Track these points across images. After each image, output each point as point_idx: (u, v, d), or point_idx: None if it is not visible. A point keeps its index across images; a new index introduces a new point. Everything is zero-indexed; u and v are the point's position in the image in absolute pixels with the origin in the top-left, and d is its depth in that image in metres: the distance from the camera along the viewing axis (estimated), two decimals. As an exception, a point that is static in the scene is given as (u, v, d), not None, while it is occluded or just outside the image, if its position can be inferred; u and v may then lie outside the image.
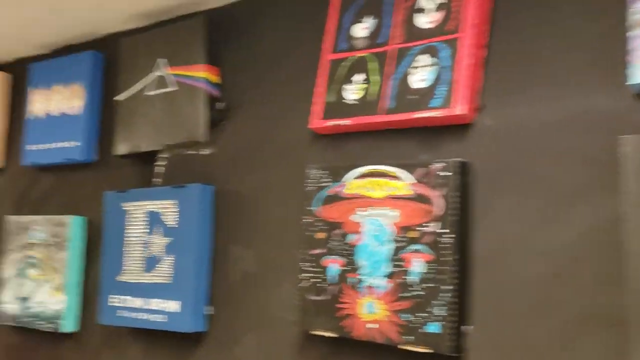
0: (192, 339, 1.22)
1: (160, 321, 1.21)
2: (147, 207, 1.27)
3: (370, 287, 0.98)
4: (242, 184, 1.21)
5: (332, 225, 1.04)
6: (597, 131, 0.86)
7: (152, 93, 1.33)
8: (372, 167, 1.01)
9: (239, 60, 1.26)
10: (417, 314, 0.93)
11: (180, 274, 1.20)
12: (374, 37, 1.06)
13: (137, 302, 1.25)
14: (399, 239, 0.96)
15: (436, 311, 0.91)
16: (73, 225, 1.43)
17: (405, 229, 0.96)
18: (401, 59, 1.02)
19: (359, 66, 1.06)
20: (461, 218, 0.93)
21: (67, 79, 1.51)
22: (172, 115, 1.29)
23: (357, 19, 1.09)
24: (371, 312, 0.97)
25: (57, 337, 1.45)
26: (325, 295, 1.03)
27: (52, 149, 1.51)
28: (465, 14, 0.98)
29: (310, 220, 1.07)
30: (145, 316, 1.23)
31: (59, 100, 1.52)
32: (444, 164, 0.93)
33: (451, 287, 0.91)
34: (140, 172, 1.37)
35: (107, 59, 1.49)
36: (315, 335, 1.04)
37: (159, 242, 1.24)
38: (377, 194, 0.99)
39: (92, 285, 1.41)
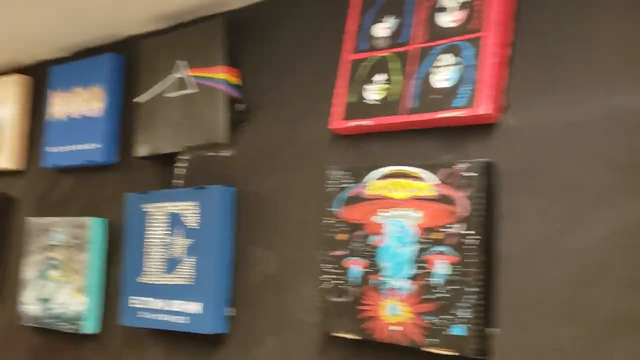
0: (213, 341, 1.22)
1: (181, 323, 1.21)
2: (168, 208, 1.28)
3: (393, 289, 0.97)
4: (262, 185, 1.21)
5: (354, 227, 1.03)
6: (622, 133, 0.84)
7: (172, 95, 1.33)
8: (394, 168, 1.00)
9: (258, 62, 1.26)
10: (441, 316, 0.92)
11: (201, 275, 1.20)
12: (395, 37, 1.06)
13: (158, 304, 1.25)
14: (423, 240, 0.95)
15: (461, 313, 0.90)
16: (93, 227, 1.44)
17: (428, 230, 0.95)
18: (423, 59, 1.01)
19: (380, 66, 1.06)
20: (486, 219, 0.92)
21: (87, 81, 1.52)
22: (192, 117, 1.29)
23: (378, 19, 1.08)
24: (394, 314, 0.96)
25: (78, 338, 1.46)
26: (347, 297, 1.02)
27: (72, 151, 1.52)
28: (489, 13, 0.96)
29: (331, 222, 1.06)
30: (166, 317, 1.23)
31: (79, 103, 1.53)
32: (469, 165, 0.92)
33: (476, 289, 0.90)
34: (161, 173, 1.37)
35: (127, 61, 1.49)
36: (336, 337, 1.04)
37: (180, 243, 1.24)
38: (400, 195, 0.98)
39: (113, 287, 1.42)
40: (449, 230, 0.93)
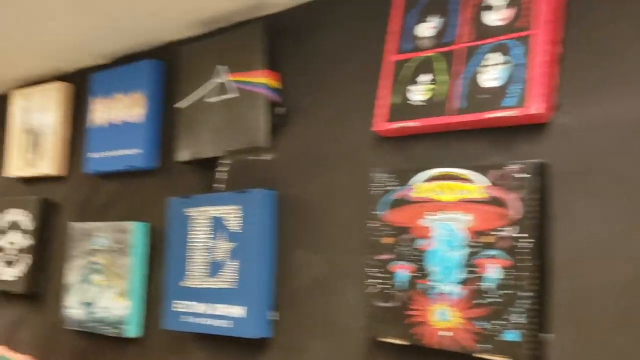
0: (256, 345, 1.21)
1: (225, 327, 1.20)
2: (211, 212, 1.28)
3: (442, 293, 0.95)
4: (304, 189, 1.20)
5: (400, 230, 1.01)
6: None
7: (212, 100, 1.33)
8: (441, 170, 0.98)
9: (299, 65, 1.26)
10: (493, 322, 0.89)
11: (244, 279, 1.20)
12: (439, 37, 1.04)
13: (201, 308, 1.26)
14: (473, 244, 0.93)
15: (514, 319, 0.87)
16: (136, 232, 1.45)
17: (479, 233, 0.92)
18: (470, 58, 0.99)
19: (425, 66, 1.04)
20: (539, 221, 0.89)
21: (127, 87, 1.54)
22: (233, 122, 1.29)
23: (422, 19, 1.07)
24: (444, 319, 0.94)
25: (121, 342, 1.48)
26: (394, 302, 1.00)
27: (114, 156, 1.54)
28: (538, 10, 0.94)
29: (375, 225, 1.05)
30: (209, 321, 1.24)
31: (120, 109, 1.55)
32: (521, 166, 0.90)
33: (530, 294, 0.87)
34: (202, 178, 1.38)
35: (167, 67, 1.50)
36: (383, 342, 1.02)
37: (223, 247, 1.24)
38: (448, 197, 0.96)
39: (155, 291, 1.42)
40: (500, 233, 0.90)
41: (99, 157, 1.57)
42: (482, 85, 0.96)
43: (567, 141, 0.90)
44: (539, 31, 0.93)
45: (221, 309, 1.22)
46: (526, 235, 0.88)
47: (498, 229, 0.91)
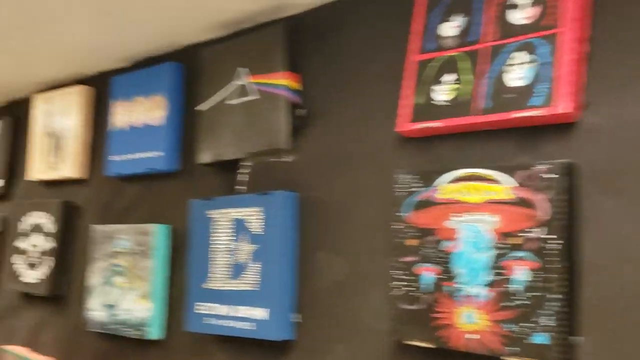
0: (279, 348, 1.21)
1: (247, 329, 1.20)
2: (233, 214, 1.28)
3: (468, 296, 0.94)
4: (326, 190, 1.20)
5: (425, 232, 1.00)
6: None
7: (233, 102, 1.33)
8: (467, 171, 0.97)
9: (320, 66, 1.25)
10: (521, 324, 0.88)
11: (267, 281, 1.19)
12: (463, 36, 1.03)
13: (224, 310, 1.25)
14: (500, 245, 0.92)
15: (544, 321, 0.86)
16: (158, 234, 1.46)
17: (506, 235, 0.91)
18: (495, 57, 0.98)
19: (449, 66, 1.03)
20: (568, 223, 0.88)
21: (148, 90, 1.54)
22: (254, 124, 1.29)
23: (445, 18, 1.06)
24: (470, 322, 0.93)
25: (143, 344, 1.48)
26: (419, 305, 0.99)
27: (135, 159, 1.54)
28: (565, 8, 0.93)
29: (400, 227, 1.04)
30: (232, 323, 1.23)
31: (141, 112, 1.56)
32: (549, 166, 0.89)
33: (560, 296, 0.86)
34: (223, 180, 1.38)
35: (188, 70, 1.51)
36: (408, 345, 1.01)
37: (245, 249, 1.24)
38: (474, 198, 0.95)
39: (177, 293, 1.43)
40: (528, 234, 0.89)
41: (120, 160, 1.58)
42: (507, 85, 0.95)
43: (595, 141, 0.89)
44: (565, 29, 0.92)
45: (243, 311, 1.22)
46: (555, 236, 0.87)
47: (526, 230, 0.89)
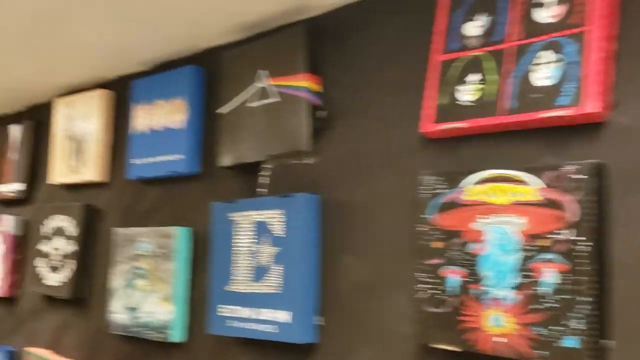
0: (302, 350, 1.20)
1: (270, 332, 1.20)
2: (254, 217, 1.28)
3: (496, 298, 0.93)
4: (348, 192, 1.19)
5: (450, 234, 0.99)
6: None
7: (254, 104, 1.33)
8: (493, 172, 0.96)
9: (340, 67, 1.25)
10: (551, 328, 0.87)
11: (289, 283, 1.19)
12: (488, 35, 1.02)
13: (246, 312, 1.25)
14: (528, 247, 0.90)
15: (573, 324, 0.85)
16: (179, 236, 1.46)
17: (534, 237, 0.90)
18: (521, 57, 0.97)
19: (473, 66, 1.02)
20: (598, 224, 0.86)
21: (169, 94, 1.55)
22: (275, 126, 1.29)
23: (469, 18, 1.05)
24: (498, 324, 0.92)
25: (165, 347, 1.48)
26: (445, 308, 0.98)
27: (156, 162, 1.55)
28: (592, 5, 0.91)
29: (424, 229, 1.03)
30: (254, 326, 1.23)
31: (161, 115, 1.56)
32: (577, 167, 0.87)
33: (590, 299, 0.84)
34: (244, 182, 1.38)
35: (208, 73, 1.51)
36: (434, 348, 1.00)
37: (267, 251, 1.24)
38: (501, 200, 0.94)
39: (199, 296, 1.43)
40: (557, 236, 0.88)
41: (141, 163, 1.59)
42: (534, 84, 0.94)
43: (624, 140, 0.87)
44: (593, 27, 0.90)
45: (266, 313, 1.22)
46: (584, 238, 0.85)
47: (554, 232, 0.88)
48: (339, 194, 1.21)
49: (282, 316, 1.19)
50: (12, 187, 2.05)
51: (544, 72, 0.93)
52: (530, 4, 0.98)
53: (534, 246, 0.90)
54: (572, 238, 0.86)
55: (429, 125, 1.05)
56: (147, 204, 1.62)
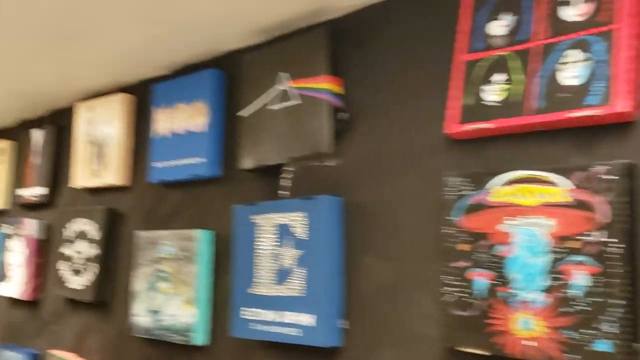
0: (326, 354, 1.20)
1: (294, 335, 1.20)
2: (277, 219, 1.27)
3: (524, 301, 0.91)
4: (371, 194, 1.18)
5: (477, 236, 0.98)
6: None
7: (275, 107, 1.33)
8: (520, 173, 0.94)
9: (362, 69, 1.24)
10: (582, 331, 0.85)
11: (312, 286, 1.18)
12: (513, 34, 1.00)
13: (270, 315, 1.25)
14: (557, 249, 0.89)
15: (606, 328, 0.83)
16: (201, 239, 1.46)
17: (563, 238, 0.88)
18: (547, 56, 0.95)
19: (499, 65, 1.01)
20: (630, 226, 0.84)
21: (190, 97, 1.55)
22: (296, 128, 1.28)
23: (493, 17, 1.03)
24: (527, 328, 0.90)
25: (188, 350, 1.49)
26: (472, 311, 0.97)
27: (177, 165, 1.55)
28: (621, 3, 0.90)
29: (450, 231, 1.02)
30: (278, 329, 1.23)
31: (182, 119, 1.57)
32: (608, 167, 0.86)
33: (622, 302, 0.83)
34: (266, 185, 1.38)
35: (229, 76, 1.51)
36: (461, 352, 0.99)
37: (290, 254, 1.23)
38: (529, 201, 0.93)
39: (222, 298, 1.43)
40: (587, 238, 0.86)
41: (163, 167, 1.60)
42: (561, 84, 0.92)
43: (656, 140, 0.86)
44: (622, 25, 0.89)
45: (290, 316, 1.21)
46: (616, 240, 0.84)
47: (584, 233, 0.86)
48: (362, 195, 1.20)
49: (306, 319, 1.18)
50: (35, 191, 2.07)
51: (572, 71, 0.92)
52: (556, 2, 0.96)
53: (564, 248, 0.88)
54: (603, 240, 0.85)
55: (454, 126, 1.04)
56: (169, 207, 1.63)
